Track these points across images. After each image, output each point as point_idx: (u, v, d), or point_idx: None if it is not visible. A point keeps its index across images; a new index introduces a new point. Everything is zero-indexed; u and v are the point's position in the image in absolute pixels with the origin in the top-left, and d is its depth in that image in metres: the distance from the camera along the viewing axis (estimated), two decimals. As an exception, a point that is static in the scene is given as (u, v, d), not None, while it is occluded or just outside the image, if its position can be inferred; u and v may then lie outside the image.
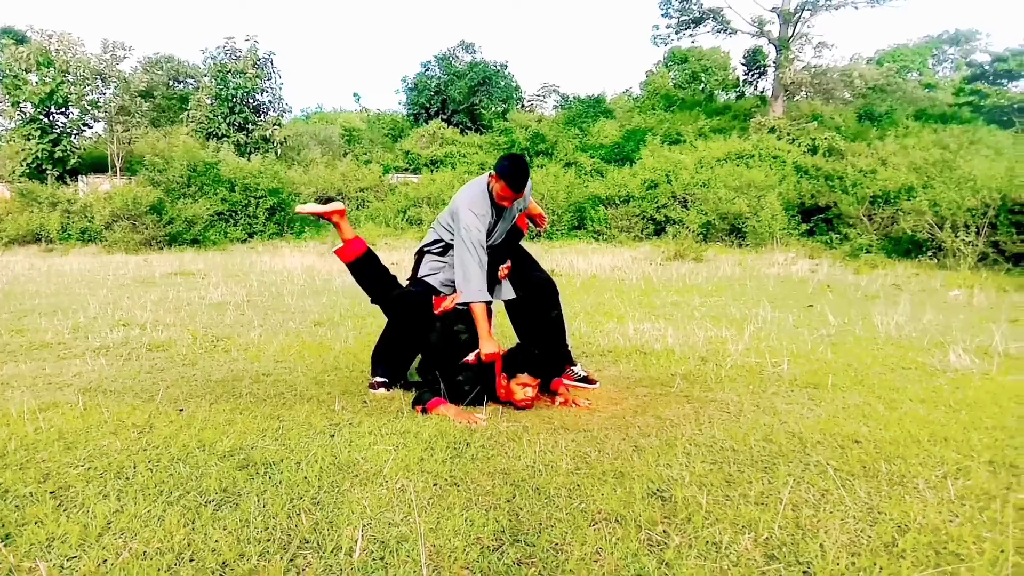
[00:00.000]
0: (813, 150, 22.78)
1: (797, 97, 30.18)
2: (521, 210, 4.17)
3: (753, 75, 38.25)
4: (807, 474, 2.61)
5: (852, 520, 2.23)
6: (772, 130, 24.95)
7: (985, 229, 12.18)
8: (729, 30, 30.92)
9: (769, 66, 34.39)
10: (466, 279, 3.78)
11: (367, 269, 4.02)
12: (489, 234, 3.91)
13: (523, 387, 3.51)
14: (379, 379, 3.98)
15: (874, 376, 4.25)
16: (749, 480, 2.55)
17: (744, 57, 38.05)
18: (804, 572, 1.93)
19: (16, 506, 2.25)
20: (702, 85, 38.65)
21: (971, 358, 4.63)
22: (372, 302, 4.02)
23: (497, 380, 3.61)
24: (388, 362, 4.06)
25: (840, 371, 4.37)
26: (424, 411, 3.42)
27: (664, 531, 2.15)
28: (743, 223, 17.62)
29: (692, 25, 31.59)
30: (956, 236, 12.36)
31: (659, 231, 19.52)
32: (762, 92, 36.39)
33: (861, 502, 2.36)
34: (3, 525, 2.12)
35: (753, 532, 2.13)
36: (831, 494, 2.42)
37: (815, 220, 18.08)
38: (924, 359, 4.73)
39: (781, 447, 2.92)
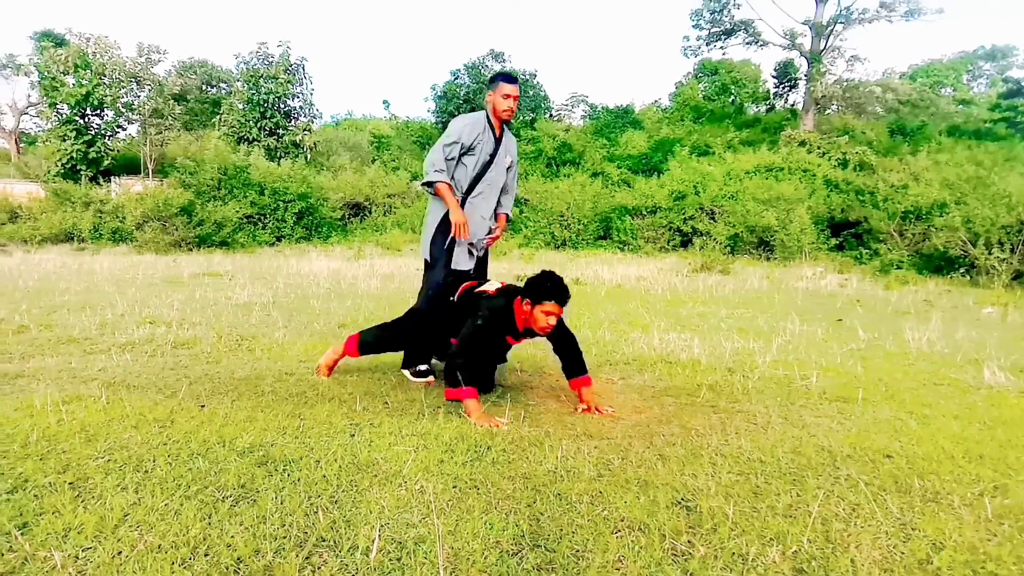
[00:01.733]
0: (844, 164, 22.54)
1: (828, 111, 29.92)
2: (511, 167, 4.38)
3: (784, 88, 37.96)
4: (837, 488, 2.54)
5: (884, 536, 2.15)
6: (802, 143, 24.72)
7: (1020, 247, 11.95)
8: (760, 42, 30.74)
9: (800, 79, 34.11)
10: (428, 162, 4.15)
11: (378, 340, 4.17)
12: (474, 151, 4.18)
13: (547, 315, 3.49)
14: (421, 367, 4.14)
15: (906, 391, 4.15)
16: (777, 492, 2.48)
17: (775, 70, 37.78)
18: (834, 587, 1.86)
19: (35, 496, 2.25)
20: (732, 97, 38.41)
21: (1007, 376, 4.51)
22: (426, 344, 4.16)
23: (516, 314, 3.63)
24: (417, 350, 4.20)
25: (871, 386, 4.27)
26: (452, 393, 3.43)
27: (689, 541, 2.10)
28: (771, 236, 17.44)
29: (723, 37, 31.44)
30: (990, 253, 12.14)
31: (686, 243, 19.38)
32: (793, 105, 36.12)
33: (893, 518, 2.29)
34: (21, 514, 2.11)
35: (781, 545, 2.07)
36: (862, 508, 2.35)
37: (845, 235, 17.86)
38: (957, 375, 4.62)
39: (810, 460, 2.85)
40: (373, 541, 2.01)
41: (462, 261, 4.19)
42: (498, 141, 4.22)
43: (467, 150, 4.13)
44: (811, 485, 2.55)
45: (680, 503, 2.37)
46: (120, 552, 1.91)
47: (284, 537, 2.03)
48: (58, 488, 2.30)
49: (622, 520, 2.23)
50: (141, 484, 2.37)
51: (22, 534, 1.98)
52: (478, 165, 4.19)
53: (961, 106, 34.02)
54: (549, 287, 3.51)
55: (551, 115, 37.02)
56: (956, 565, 1.98)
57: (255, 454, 2.70)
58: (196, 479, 2.42)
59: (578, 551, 2.03)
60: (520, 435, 3.10)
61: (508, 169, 4.35)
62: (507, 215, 4.47)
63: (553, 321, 3.54)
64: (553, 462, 2.74)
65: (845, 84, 28.39)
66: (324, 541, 2.03)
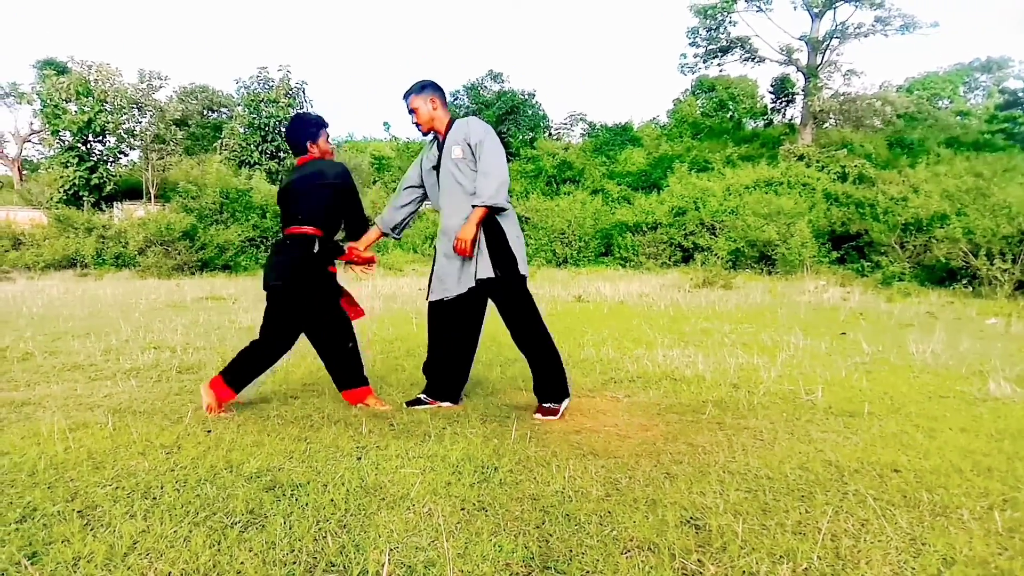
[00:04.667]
0: (843, 177, 22.63)
1: (826, 125, 30.04)
2: (465, 144, 3.83)
3: (781, 103, 38.16)
4: (846, 503, 2.53)
5: (894, 551, 2.15)
6: (801, 157, 24.83)
7: (1022, 257, 11.95)
8: (757, 58, 30.90)
9: (798, 94, 34.32)
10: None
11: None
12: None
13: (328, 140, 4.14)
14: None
15: (912, 404, 4.14)
16: (786, 509, 2.48)
17: (772, 85, 37.99)
18: (846, 605, 1.86)
19: (44, 524, 2.25)
20: (730, 113, 38.60)
21: (1012, 387, 4.50)
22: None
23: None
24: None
25: (876, 399, 4.26)
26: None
27: (699, 560, 2.09)
28: (772, 250, 17.48)
29: (720, 54, 31.60)
30: (992, 264, 12.14)
31: (687, 258, 19.43)
32: (791, 120, 36.28)
33: (903, 533, 2.28)
34: (30, 543, 2.11)
35: (791, 562, 2.06)
36: (871, 524, 2.34)
37: (846, 248, 17.90)
38: (963, 388, 4.61)
39: (818, 476, 2.84)
40: (383, 565, 2.01)
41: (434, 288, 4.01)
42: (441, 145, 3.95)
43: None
44: (819, 501, 2.54)
45: (689, 522, 2.37)
46: (130, 580, 1.91)
47: (294, 563, 2.03)
48: (67, 517, 2.31)
49: (631, 540, 2.23)
50: (150, 511, 2.37)
51: (32, 564, 1.98)
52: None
53: (959, 118, 34.18)
54: (314, 119, 4.10)
55: (550, 134, 37.18)
56: (967, 580, 1.97)
57: (263, 479, 2.70)
58: (204, 505, 2.42)
59: (588, 572, 2.02)
60: (527, 455, 3.10)
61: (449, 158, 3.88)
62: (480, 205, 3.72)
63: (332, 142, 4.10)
64: (560, 482, 2.74)
65: (842, 98, 28.53)
66: (333, 566, 2.03)
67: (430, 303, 4.03)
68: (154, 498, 2.49)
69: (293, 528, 2.25)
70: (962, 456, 3.10)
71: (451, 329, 4.00)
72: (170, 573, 1.95)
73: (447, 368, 4.04)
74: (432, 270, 4.04)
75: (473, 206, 3.71)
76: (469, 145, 3.80)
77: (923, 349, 5.93)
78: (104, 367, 5.19)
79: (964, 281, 12.73)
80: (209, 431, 3.40)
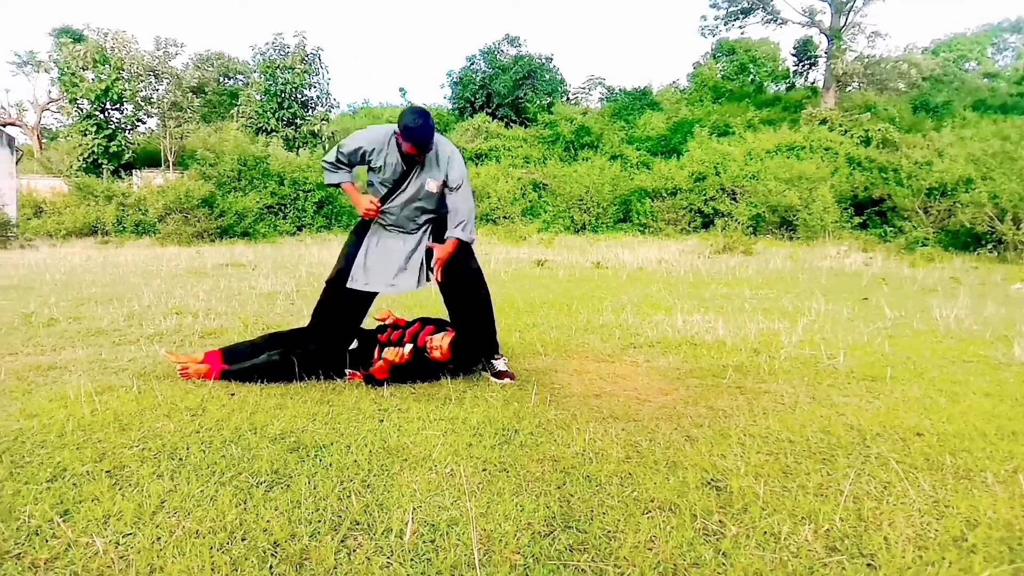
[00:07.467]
0: (866, 142, 22.27)
1: (850, 88, 29.49)
2: (443, 183, 3.78)
3: (804, 66, 37.48)
4: (868, 466, 2.53)
5: (917, 513, 2.14)
6: (824, 121, 24.43)
7: (1049, 221, 11.76)
8: (779, 20, 30.33)
9: (820, 57, 33.66)
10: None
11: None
12: (378, 170, 3.81)
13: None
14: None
15: (935, 369, 4.11)
16: (807, 471, 2.47)
17: (794, 48, 37.30)
18: (868, 565, 1.85)
19: (74, 484, 2.29)
20: (751, 76, 37.99)
21: (1038, 352, 4.46)
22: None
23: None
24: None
25: (899, 364, 4.23)
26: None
27: (720, 521, 2.10)
28: (794, 216, 17.30)
29: (741, 16, 31.09)
30: (1018, 228, 11.97)
31: (707, 224, 19.29)
32: (813, 83, 35.65)
33: (926, 495, 2.27)
34: (61, 502, 2.15)
35: (813, 523, 2.07)
36: (894, 487, 2.34)
37: (868, 213, 17.70)
38: (987, 352, 4.57)
39: (839, 439, 2.83)
40: (406, 524, 2.03)
41: (359, 277, 3.86)
42: (410, 158, 3.72)
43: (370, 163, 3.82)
44: (841, 464, 2.54)
45: (710, 483, 2.37)
46: (159, 538, 1.94)
47: (319, 521, 2.06)
48: (96, 476, 2.35)
49: (652, 501, 2.23)
50: (176, 471, 2.40)
51: (64, 521, 2.02)
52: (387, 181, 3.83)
53: (986, 80, 33.43)
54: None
55: (568, 99, 36.75)
56: (991, 542, 1.97)
57: (287, 440, 2.73)
58: (230, 466, 2.46)
59: (610, 531, 2.04)
60: (547, 418, 3.11)
61: (428, 183, 3.77)
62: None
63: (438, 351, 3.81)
64: (581, 444, 2.75)
65: (866, 60, 27.96)
66: (358, 524, 2.05)
67: (333, 286, 3.92)
68: (180, 459, 2.53)
69: (317, 488, 2.28)
70: (986, 420, 3.08)
71: (345, 313, 3.94)
72: (198, 531, 1.98)
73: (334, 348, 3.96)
74: (348, 256, 3.91)
75: (455, 238, 3.72)
76: (446, 185, 3.77)
77: (947, 314, 5.87)
78: (128, 332, 5.24)
79: (989, 246, 12.57)
80: (233, 394, 3.44)
